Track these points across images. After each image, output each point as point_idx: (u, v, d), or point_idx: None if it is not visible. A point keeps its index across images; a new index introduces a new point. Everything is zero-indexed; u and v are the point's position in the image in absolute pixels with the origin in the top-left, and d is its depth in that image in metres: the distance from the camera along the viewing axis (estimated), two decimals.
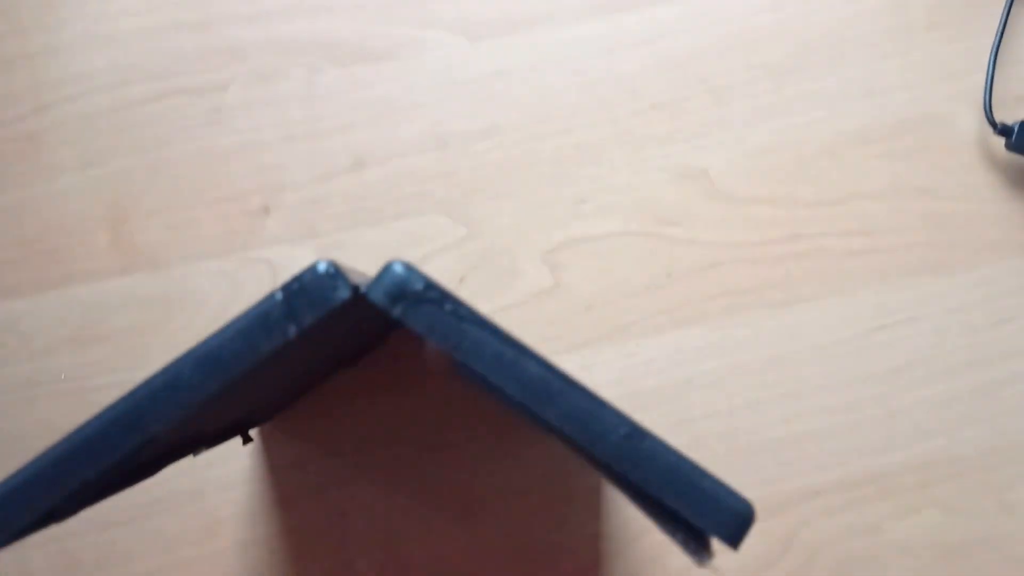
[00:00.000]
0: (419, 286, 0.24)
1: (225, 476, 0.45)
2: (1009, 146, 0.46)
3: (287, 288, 0.24)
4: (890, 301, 0.46)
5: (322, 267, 0.24)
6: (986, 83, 0.46)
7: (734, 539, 0.24)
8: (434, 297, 0.24)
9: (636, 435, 0.24)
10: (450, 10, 0.48)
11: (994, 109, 0.47)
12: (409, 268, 0.24)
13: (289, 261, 0.46)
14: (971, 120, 0.47)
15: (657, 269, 0.46)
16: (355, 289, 0.24)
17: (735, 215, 0.46)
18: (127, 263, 0.46)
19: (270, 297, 0.24)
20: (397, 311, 0.24)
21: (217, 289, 0.46)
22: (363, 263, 0.46)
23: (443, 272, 0.46)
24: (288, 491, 0.45)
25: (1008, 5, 0.47)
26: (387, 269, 0.24)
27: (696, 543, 0.25)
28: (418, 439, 0.45)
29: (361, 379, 0.45)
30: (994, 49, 0.47)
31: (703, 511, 0.24)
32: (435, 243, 0.46)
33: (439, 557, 0.44)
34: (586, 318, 0.46)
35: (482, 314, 0.25)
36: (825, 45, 0.48)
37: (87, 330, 0.46)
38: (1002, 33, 0.47)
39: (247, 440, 0.40)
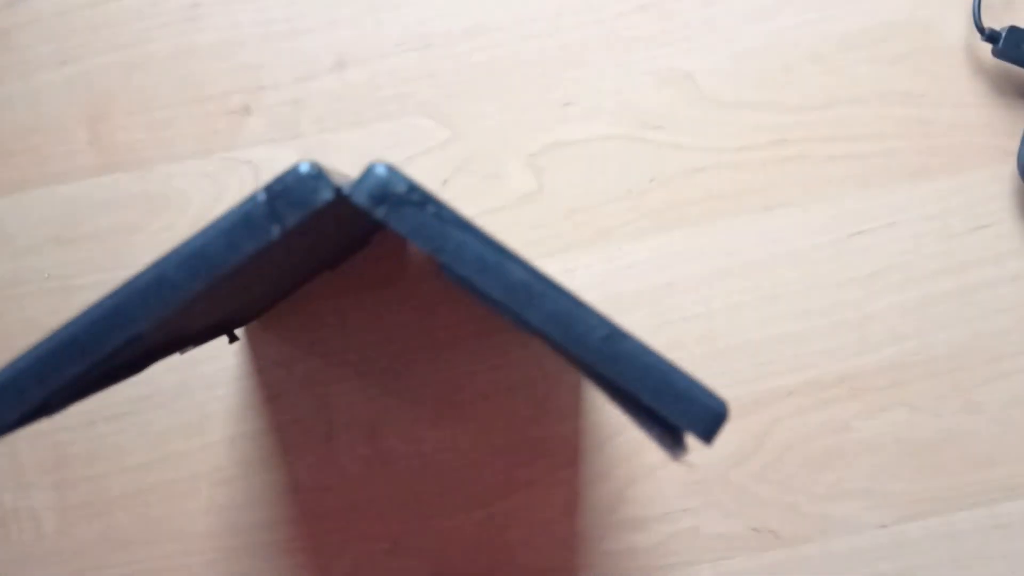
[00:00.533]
0: (402, 188, 0.24)
1: (212, 374, 0.46)
2: (996, 52, 0.45)
3: (270, 189, 0.24)
4: (870, 207, 0.46)
5: (304, 168, 0.24)
6: None
7: (708, 435, 0.25)
8: (417, 199, 0.24)
9: (615, 336, 0.25)
10: None
11: (982, 14, 0.46)
12: (392, 170, 0.24)
13: (271, 163, 0.46)
14: (959, 25, 0.47)
15: (640, 173, 0.46)
16: (338, 191, 0.24)
17: (720, 120, 0.46)
18: (107, 162, 0.46)
19: (252, 198, 0.24)
20: (380, 213, 0.24)
21: (199, 190, 0.46)
22: (346, 166, 0.46)
23: (426, 175, 0.46)
24: (274, 388, 0.46)
25: None
26: (369, 171, 0.24)
27: (671, 439, 0.26)
28: (402, 339, 0.46)
29: (345, 280, 0.46)
30: None
31: (679, 409, 0.25)
32: (418, 146, 0.46)
33: (422, 452, 0.46)
34: (569, 222, 0.46)
35: (465, 217, 0.25)
36: None
37: (69, 229, 0.46)
38: None
39: (233, 339, 0.41)
